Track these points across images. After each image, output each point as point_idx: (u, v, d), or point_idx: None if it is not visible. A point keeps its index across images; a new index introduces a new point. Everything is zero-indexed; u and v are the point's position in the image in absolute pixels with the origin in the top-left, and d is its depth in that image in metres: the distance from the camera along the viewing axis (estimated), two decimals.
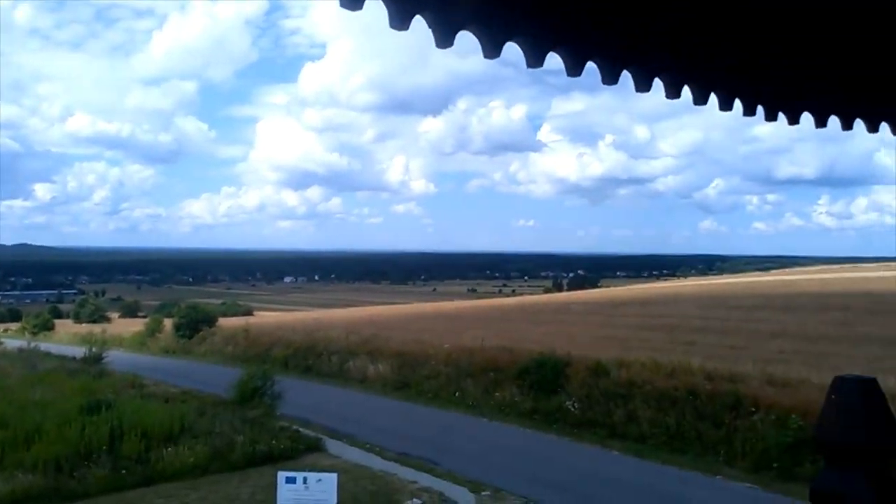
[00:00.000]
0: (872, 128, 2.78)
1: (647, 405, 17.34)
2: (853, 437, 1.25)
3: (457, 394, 22.11)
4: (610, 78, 2.10)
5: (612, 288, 75.48)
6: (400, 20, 1.61)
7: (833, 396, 1.29)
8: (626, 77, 2.19)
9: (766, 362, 18.31)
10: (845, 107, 2.62)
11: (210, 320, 39.57)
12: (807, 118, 2.65)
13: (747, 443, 14.77)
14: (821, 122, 2.65)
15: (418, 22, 1.73)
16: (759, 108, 2.45)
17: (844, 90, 2.49)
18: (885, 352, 19.12)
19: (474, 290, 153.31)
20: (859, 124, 2.75)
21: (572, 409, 18.94)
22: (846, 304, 30.49)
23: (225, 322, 41.70)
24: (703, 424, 15.95)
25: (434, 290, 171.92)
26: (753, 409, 15.55)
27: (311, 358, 29.12)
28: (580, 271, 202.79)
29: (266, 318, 56.37)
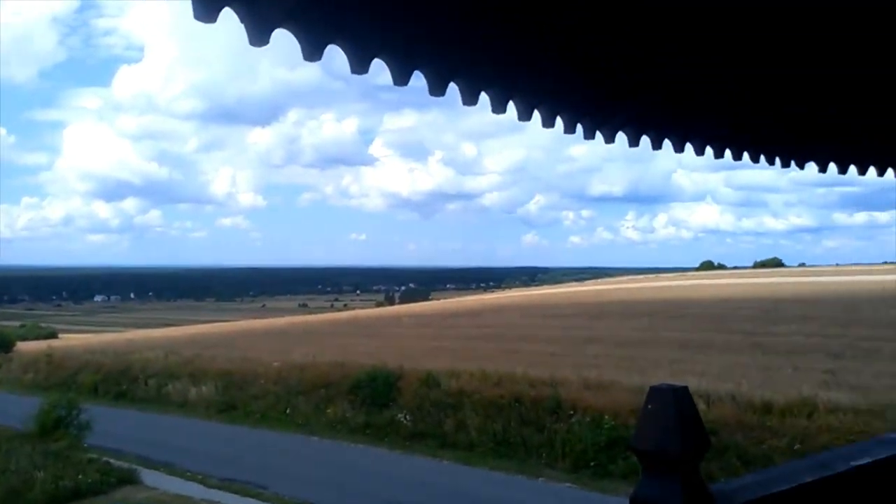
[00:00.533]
0: (678, 147, 2.91)
1: (475, 413, 17.86)
2: (667, 444, 1.28)
3: (287, 412, 21.45)
4: (437, 89, 2.00)
5: (442, 300, 77.18)
6: (205, 11, 1.45)
7: (649, 406, 1.32)
8: (455, 92, 2.13)
9: (582, 367, 19.53)
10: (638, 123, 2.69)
11: (6, 345, 35.48)
12: (622, 138, 2.70)
13: (567, 444, 15.64)
14: (634, 142, 2.67)
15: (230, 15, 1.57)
16: (579, 126, 2.48)
17: (651, 108, 2.63)
18: (683, 354, 21.13)
19: (305, 306, 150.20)
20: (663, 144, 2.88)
21: (404, 422, 19.06)
22: (651, 311, 33.36)
23: (24, 346, 37.66)
24: (527, 429, 16.70)
25: (263, 306, 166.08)
26: (572, 413, 16.51)
27: (125, 382, 26.96)
28: (412, 284, 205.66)
29: (73, 340, 51.40)
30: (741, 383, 16.09)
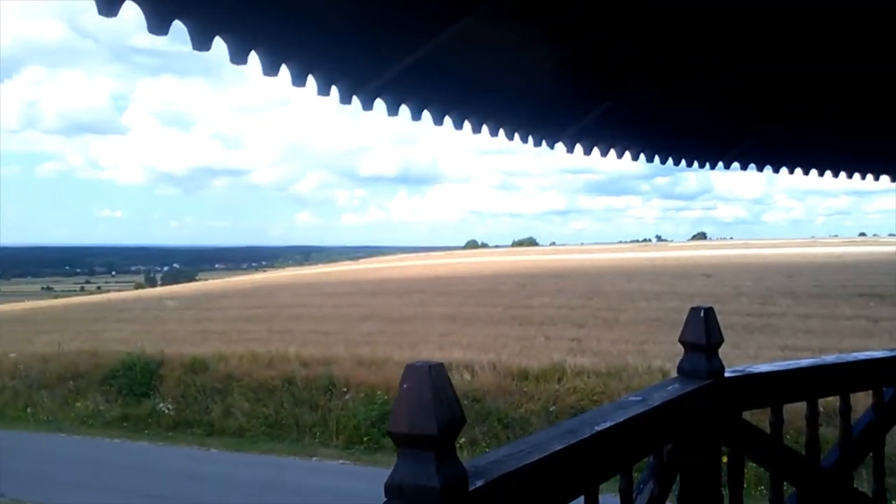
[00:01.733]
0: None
1: (245, 398, 17.23)
2: (422, 424, 1.22)
3: (28, 409, 19.01)
4: (201, 43, 1.70)
5: (210, 281, 73.29)
6: None
7: (404, 385, 1.25)
8: (222, 59, 1.81)
9: (356, 344, 19.69)
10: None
11: None
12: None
13: (340, 422, 15.70)
14: (439, 120, 2.54)
15: None
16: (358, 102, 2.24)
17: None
18: (451, 328, 22.19)
19: (50, 289, 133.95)
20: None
21: (167, 411, 17.83)
22: (422, 288, 34.57)
23: None
24: (300, 410, 16.48)
25: None
26: (346, 390, 16.59)
27: None
28: (176, 265, 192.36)
29: None
30: (501, 353, 17.30)
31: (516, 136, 2.80)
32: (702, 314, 2.33)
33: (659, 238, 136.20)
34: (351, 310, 28.09)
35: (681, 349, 2.34)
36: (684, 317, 2.42)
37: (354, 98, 2.18)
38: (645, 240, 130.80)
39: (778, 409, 2.57)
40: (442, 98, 2.45)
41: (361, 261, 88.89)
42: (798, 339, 18.63)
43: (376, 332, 22.31)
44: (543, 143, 2.93)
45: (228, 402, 17.38)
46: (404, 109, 2.35)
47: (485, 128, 2.66)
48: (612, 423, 1.79)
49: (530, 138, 2.87)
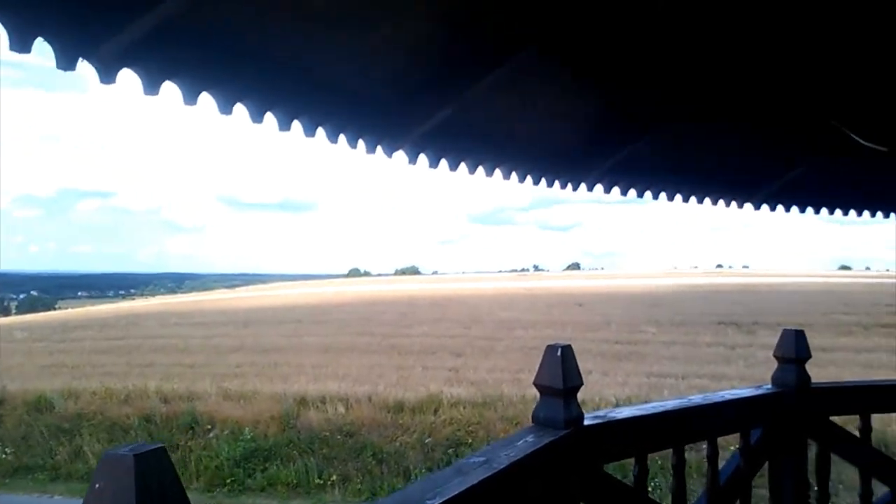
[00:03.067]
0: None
1: (96, 439, 15.75)
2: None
3: None
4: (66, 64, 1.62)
5: (69, 310, 67.95)
6: None
7: (97, 485, 0.89)
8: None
9: (223, 378, 18.61)
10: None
11: None
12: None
13: (202, 462, 14.64)
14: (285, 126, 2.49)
15: None
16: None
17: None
18: (327, 359, 21.49)
19: None
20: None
21: (4, 455, 16.00)
22: (298, 317, 33.52)
23: None
24: None
25: None
26: (210, 427, 15.54)
27: None
28: (34, 292, 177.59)
29: None
30: (378, 384, 16.86)
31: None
32: (559, 353, 2.08)
33: (536, 268, 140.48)
34: (221, 340, 26.71)
35: None
36: None
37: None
38: (523, 269, 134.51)
39: (642, 460, 2.39)
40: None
41: (238, 289, 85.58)
42: (662, 365, 19.42)
43: (246, 363, 21.24)
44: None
45: (77, 444, 15.83)
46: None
47: (514, 175, 2.88)
48: (442, 500, 1.48)
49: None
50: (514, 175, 2.88)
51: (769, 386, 2.88)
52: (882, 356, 20.87)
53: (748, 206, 3.67)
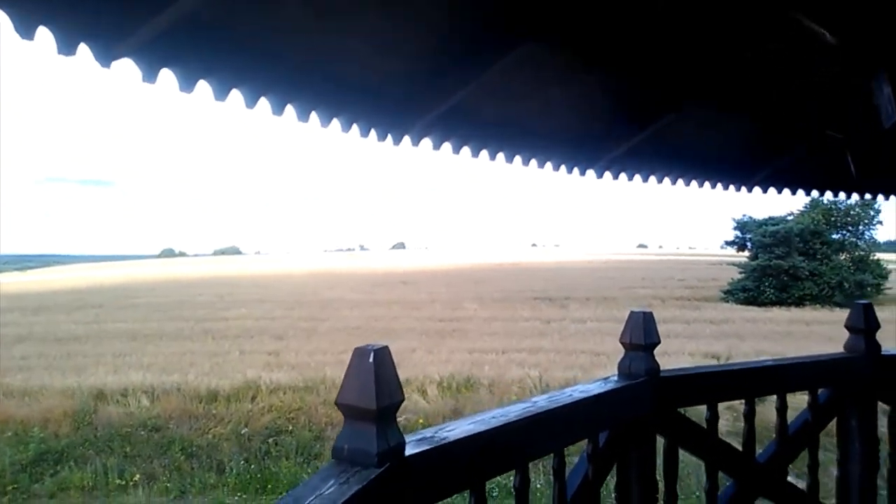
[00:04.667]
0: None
1: None
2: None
3: None
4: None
5: None
6: None
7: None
8: None
9: (5, 372, 16.37)
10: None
11: None
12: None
13: None
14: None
15: None
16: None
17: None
18: (132, 347, 19.68)
19: None
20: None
21: None
22: (100, 302, 30.60)
23: None
24: None
25: None
26: None
27: None
28: None
29: None
30: (188, 373, 15.66)
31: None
32: (370, 359, 1.77)
33: (362, 247, 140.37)
34: (4, 329, 23.61)
35: None
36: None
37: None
38: (349, 249, 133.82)
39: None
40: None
41: (31, 271, 77.08)
42: (484, 341, 19.89)
43: (34, 355, 18.87)
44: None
45: None
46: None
47: (518, 159, 2.89)
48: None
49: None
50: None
51: (613, 378, 2.65)
52: (677, 326, 22.92)
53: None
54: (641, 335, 2.47)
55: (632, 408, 2.43)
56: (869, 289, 31.92)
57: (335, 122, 2.20)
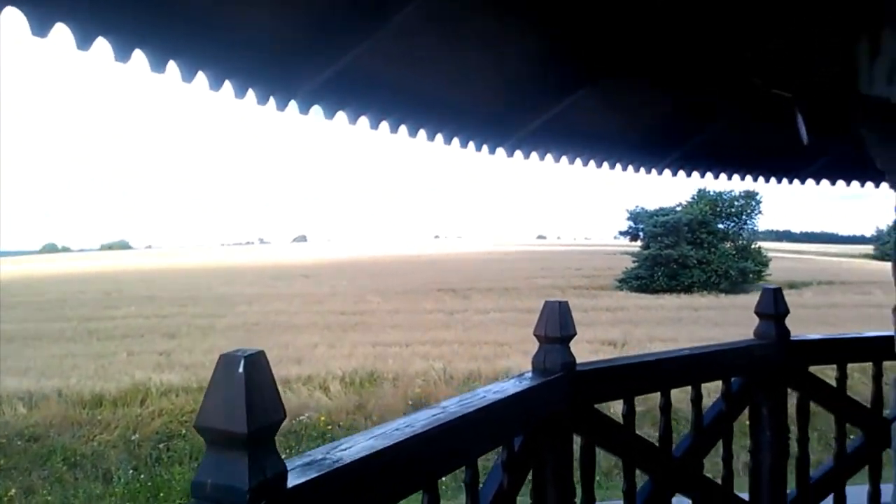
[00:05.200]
0: None
1: None
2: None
3: None
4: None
5: None
6: None
7: None
8: None
9: None
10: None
11: None
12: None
13: None
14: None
15: None
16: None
17: None
18: (6, 350, 18.20)
19: None
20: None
21: None
22: None
23: None
24: None
25: None
26: None
27: None
28: None
29: None
30: (70, 376, 14.61)
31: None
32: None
33: (262, 240, 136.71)
34: None
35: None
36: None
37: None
38: (248, 242, 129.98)
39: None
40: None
41: None
42: (388, 334, 19.70)
43: None
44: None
45: None
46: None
47: (423, 132, 2.62)
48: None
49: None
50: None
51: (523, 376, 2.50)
52: (575, 315, 23.45)
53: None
54: (557, 327, 2.32)
55: (547, 406, 2.28)
56: (751, 276, 33.96)
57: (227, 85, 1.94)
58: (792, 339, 3.13)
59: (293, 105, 2.15)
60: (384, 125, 2.46)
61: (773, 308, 3.04)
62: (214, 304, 25.85)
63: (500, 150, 2.98)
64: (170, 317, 22.62)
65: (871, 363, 3.31)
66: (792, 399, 3.15)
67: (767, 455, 3.03)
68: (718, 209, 35.88)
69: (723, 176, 3.73)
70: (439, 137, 2.69)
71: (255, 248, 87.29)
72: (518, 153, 3.03)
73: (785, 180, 3.82)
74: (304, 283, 35.01)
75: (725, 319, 23.80)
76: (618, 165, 3.42)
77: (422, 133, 2.60)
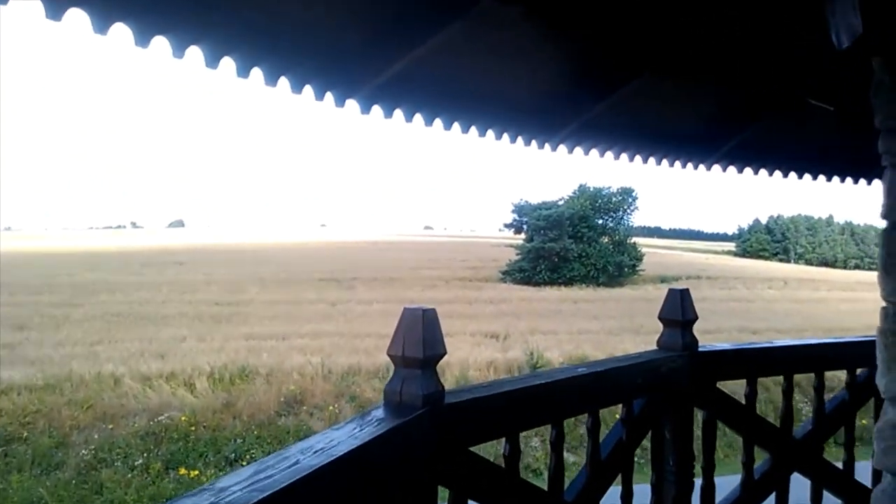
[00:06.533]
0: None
1: None
2: None
3: None
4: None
5: None
6: None
7: None
8: None
9: None
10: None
11: None
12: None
13: None
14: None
15: None
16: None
17: None
18: None
19: None
20: None
21: None
22: None
23: None
24: None
25: None
26: None
27: None
28: None
29: None
30: None
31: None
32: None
33: (135, 224, 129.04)
34: None
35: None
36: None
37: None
38: (119, 226, 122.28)
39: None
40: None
41: None
42: (264, 326, 18.75)
43: None
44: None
45: None
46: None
47: (474, 129, 2.72)
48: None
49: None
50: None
51: None
52: (459, 307, 23.43)
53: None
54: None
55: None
56: (626, 269, 35.29)
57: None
58: (700, 349, 2.74)
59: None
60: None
61: (681, 314, 2.62)
62: (73, 293, 23.78)
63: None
64: (19, 306, 20.48)
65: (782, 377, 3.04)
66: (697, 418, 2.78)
67: (672, 487, 2.65)
68: (598, 204, 37.01)
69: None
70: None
71: (125, 233, 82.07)
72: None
73: (849, 179, 3.79)
74: (177, 270, 33.05)
75: (603, 312, 24.49)
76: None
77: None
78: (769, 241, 64.68)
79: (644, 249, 38.45)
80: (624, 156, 3.28)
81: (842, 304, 29.81)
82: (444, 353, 1.90)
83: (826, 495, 3.04)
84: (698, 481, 2.76)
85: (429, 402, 1.80)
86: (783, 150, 3.42)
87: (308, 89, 2.14)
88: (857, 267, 61.07)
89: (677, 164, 3.37)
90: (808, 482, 2.95)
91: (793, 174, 3.51)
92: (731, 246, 71.43)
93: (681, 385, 2.62)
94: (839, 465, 3.10)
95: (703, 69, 2.77)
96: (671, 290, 2.74)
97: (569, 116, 2.95)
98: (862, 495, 2.90)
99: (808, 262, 61.16)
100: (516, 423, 2.14)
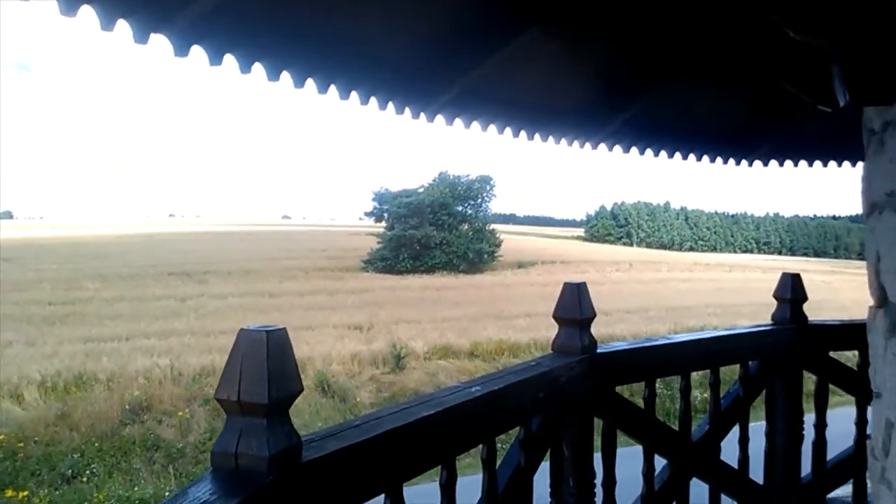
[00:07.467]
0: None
1: None
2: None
3: None
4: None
5: None
6: None
7: None
8: None
9: None
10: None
11: None
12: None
13: None
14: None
15: None
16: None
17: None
18: None
19: None
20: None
21: None
22: None
23: None
24: None
25: None
26: None
27: None
28: None
29: None
30: None
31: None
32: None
33: None
34: None
35: None
36: None
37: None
38: None
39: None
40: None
41: None
42: (105, 326, 17.25)
43: None
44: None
45: None
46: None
47: (523, 133, 2.91)
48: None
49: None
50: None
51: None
52: (321, 298, 22.80)
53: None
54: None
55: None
56: (486, 256, 36.03)
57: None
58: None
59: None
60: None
61: (579, 311, 2.44)
62: None
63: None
64: None
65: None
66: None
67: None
68: (458, 192, 37.47)
69: (663, 153, 3.54)
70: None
71: None
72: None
73: (732, 161, 3.78)
74: (3, 267, 29.81)
75: (464, 299, 24.79)
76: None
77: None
78: (614, 226, 68.63)
79: (501, 236, 39.45)
80: (663, 153, 3.34)
81: (681, 283, 32.08)
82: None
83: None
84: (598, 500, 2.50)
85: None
86: (669, 129, 3.41)
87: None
88: (691, 249, 66.41)
89: (563, 141, 3.13)
90: (705, 486, 2.90)
91: (678, 154, 3.47)
92: (580, 231, 75.05)
93: (579, 394, 2.38)
94: (735, 463, 3.03)
95: (592, 24, 2.57)
96: (566, 285, 2.49)
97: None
98: (755, 494, 3.02)
99: (649, 246, 65.63)
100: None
